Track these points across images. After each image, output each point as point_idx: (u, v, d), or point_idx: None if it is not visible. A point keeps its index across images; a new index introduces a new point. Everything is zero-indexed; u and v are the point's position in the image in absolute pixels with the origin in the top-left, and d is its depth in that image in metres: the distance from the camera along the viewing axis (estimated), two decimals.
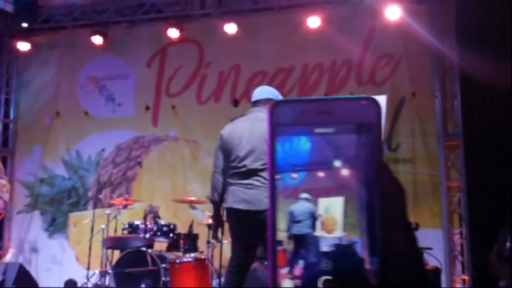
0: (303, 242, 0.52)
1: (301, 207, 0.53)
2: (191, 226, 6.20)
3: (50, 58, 8.36)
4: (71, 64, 8.24)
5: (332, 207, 0.52)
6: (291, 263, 0.52)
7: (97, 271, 6.22)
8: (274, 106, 0.53)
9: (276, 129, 0.52)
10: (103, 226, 6.26)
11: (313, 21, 7.25)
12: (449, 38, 7.01)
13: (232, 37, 7.57)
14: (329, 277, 0.49)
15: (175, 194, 7.31)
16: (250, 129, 3.92)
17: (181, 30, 7.60)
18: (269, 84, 7.57)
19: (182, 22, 7.63)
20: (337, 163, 0.52)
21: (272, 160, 0.50)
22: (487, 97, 6.37)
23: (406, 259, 0.50)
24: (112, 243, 5.83)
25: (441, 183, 6.92)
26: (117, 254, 5.98)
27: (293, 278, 0.51)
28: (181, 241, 6.13)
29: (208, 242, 5.99)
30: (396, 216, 0.51)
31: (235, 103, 7.61)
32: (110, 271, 5.70)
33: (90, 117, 8.12)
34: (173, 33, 7.58)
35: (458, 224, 6.93)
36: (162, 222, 6.15)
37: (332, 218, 0.52)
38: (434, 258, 5.98)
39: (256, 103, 4.08)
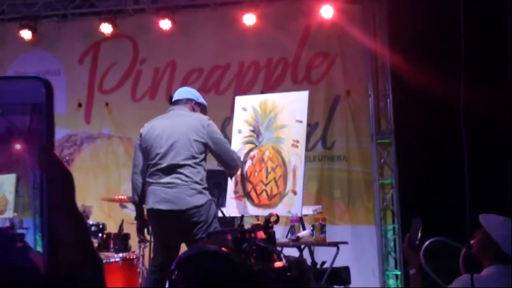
0: None
1: None
2: (121, 226, 6.05)
3: None
4: None
5: (4, 185, 0.46)
6: None
7: None
8: None
9: None
10: None
11: (249, 19, 7.22)
12: (381, 38, 7.13)
13: (167, 34, 7.45)
14: None
15: (108, 193, 7.14)
16: (170, 125, 3.89)
17: (114, 26, 7.43)
18: (205, 82, 7.55)
19: (115, 17, 7.46)
20: (5, 140, 0.47)
21: None
22: (418, 96, 6.49)
23: (71, 247, 0.45)
24: None
25: (374, 180, 7.01)
26: None
27: None
28: (111, 241, 5.98)
29: (139, 241, 5.89)
30: (60, 201, 0.46)
31: (171, 100, 7.49)
32: None
33: None
34: (106, 28, 7.40)
35: (391, 220, 7.05)
36: (90, 222, 5.98)
37: (4, 196, 0.46)
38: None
39: (177, 102, 4.13)
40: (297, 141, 4.02)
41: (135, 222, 5.96)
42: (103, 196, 7.03)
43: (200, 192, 3.71)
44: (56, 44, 7.82)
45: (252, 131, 4.25)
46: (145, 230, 4.31)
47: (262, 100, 4.32)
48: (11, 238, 0.46)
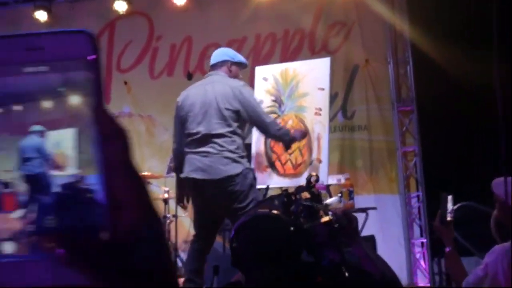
0: (35, 183, 0.46)
1: (29, 142, 0.46)
2: None
3: None
4: None
5: (63, 141, 0.45)
6: (24, 207, 0.46)
7: None
8: None
9: None
10: None
11: None
12: (399, 4, 6.99)
13: (182, 9, 7.39)
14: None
15: None
16: (203, 93, 3.81)
17: (128, 3, 7.38)
18: None
19: None
20: (57, 97, 0.46)
21: None
22: (438, 62, 6.38)
23: (130, 208, 0.44)
24: None
25: (396, 148, 6.95)
26: None
27: (27, 224, 0.45)
28: None
29: (165, 217, 5.96)
30: (116, 160, 0.45)
31: (189, 76, 7.39)
32: None
33: None
34: (121, 6, 7.36)
35: (415, 188, 6.99)
36: None
37: (63, 153, 0.45)
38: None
39: (213, 66, 3.99)
40: (320, 109, 3.98)
41: (160, 197, 6.08)
42: None
43: (235, 161, 3.65)
44: (71, 24, 7.75)
45: (274, 100, 4.21)
46: (185, 199, 4.20)
47: (283, 69, 4.27)
48: (80, 192, 0.45)
